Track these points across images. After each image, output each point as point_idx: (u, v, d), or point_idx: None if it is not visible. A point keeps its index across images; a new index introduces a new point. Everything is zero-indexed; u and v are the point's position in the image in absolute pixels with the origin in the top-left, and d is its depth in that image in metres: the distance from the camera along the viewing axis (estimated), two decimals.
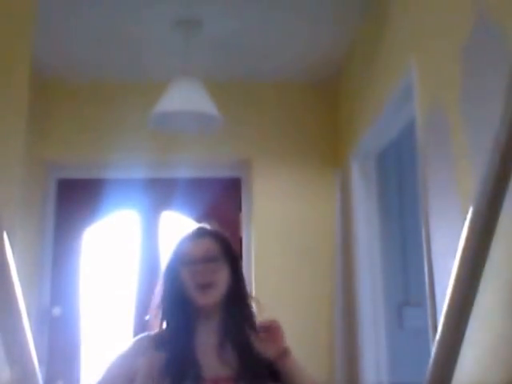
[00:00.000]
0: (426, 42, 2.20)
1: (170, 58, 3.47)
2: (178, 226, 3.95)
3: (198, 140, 3.80)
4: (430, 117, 2.13)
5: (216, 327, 1.63)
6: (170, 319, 1.65)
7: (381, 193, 3.38)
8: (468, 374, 1.55)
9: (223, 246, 1.68)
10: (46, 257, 3.76)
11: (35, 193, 3.70)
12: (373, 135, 3.15)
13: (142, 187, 3.87)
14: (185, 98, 3.08)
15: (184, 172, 3.94)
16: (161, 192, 3.91)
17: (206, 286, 1.60)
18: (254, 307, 1.71)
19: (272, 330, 1.67)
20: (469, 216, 1.22)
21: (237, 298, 1.66)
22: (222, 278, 1.63)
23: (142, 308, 3.75)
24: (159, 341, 1.61)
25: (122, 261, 3.88)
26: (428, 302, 2.09)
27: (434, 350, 1.25)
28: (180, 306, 1.63)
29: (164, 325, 1.67)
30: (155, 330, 1.68)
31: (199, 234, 1.71)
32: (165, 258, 1.73)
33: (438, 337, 1.24)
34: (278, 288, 3.63)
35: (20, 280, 1.39)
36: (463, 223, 1.23)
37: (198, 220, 1.96)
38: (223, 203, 3.92)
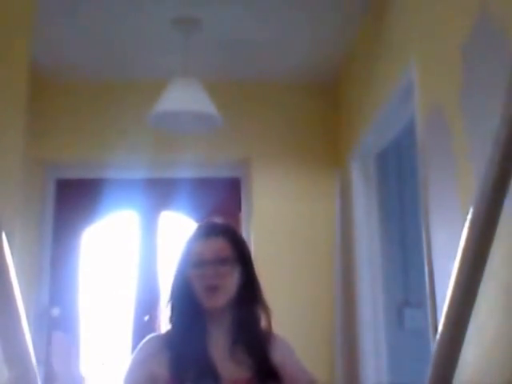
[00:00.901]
0: (426, 41, 2.20)
1: (169, 57, 3.47)
2: (177, 226, 3.94)
3: (198, 140, 3.80)
4: (430, 117, 2.13)
5: (227, 329, 1.58)
6: (177, 319, 1.61)
7: (381, 193, 3.38)
8: (469, 374, 1.54)
9: (236, 246, 1.61)
10: (44, 257, 3.75)
11: (34, 193, 3.70)
12: (373, 135, 3.14)
13: (141, 187, 3.87)
14: (184, 97, 3.08)
15: (183, 172, 3.94)
16: (160, 192, 3.91)
17: (214, 289, 1.55)
18: (264, 313, 1.65)
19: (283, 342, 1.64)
20: (469, 216, 1.21)
21: (248, 299, 1.61)
22: (231, 280, 1.58)
23: (141, 308, 3.76)
24: (169, 341, 1.57)
25: (121, 261, 3.88)
26: (428, 302, 2.08)
27: (434, 350, 1.25)
28: (187, 306, 1.58)
29: (170, 325, 1.63)
30: (161, 331, 1.64)
31: (210, 232, 1.63)
32: (175, 255, 1.67)
33: (438, 337, 1.24)
34: (277, 288, 3.62)
35: (19, 280, 1.39)
36: (463, 223, 1.23)
37: (204, 217, 1.90)
38: (223, 203, 3.92)
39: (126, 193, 3.86)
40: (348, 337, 3.48)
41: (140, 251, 3.89)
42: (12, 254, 1.40)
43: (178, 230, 3.95)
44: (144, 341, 1.63)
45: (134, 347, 3.93)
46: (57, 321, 3.70)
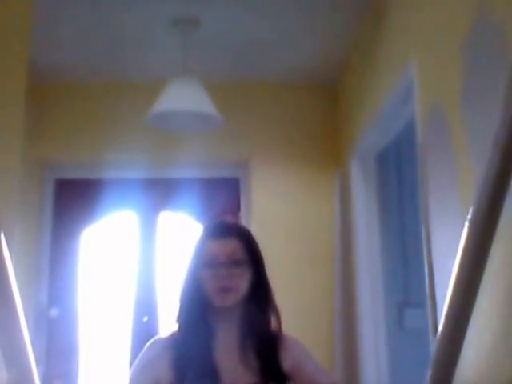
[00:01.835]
0: (425, 41, 2.20)
1: (168, 57, 3.46)
2: (177, 227, 3.94)
3: (197, 140, 3.79)
4: (430, 116, 2.13)
5: (235, 330, 1.57)
6: (185, 320, 1.57)
7: (380, 193, 3.38)
8: (469, 374, 1.54)
9: (249, 248, 1.59)
10: (43, 257, 3.75)
11: (33, 193, 3.69)
12: (373, 135, 3.14)
13: (140, 187, 3.86)
14: (183, 97, 3.08)
15: (182, 172, 3.94)
16: (159, 192, 3.90)
17: (226, 290, 1.53)
18: (274, 315, 1.63)
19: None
20: (469, 216, 1.21)
21: (258, 300, 1.59)
22: (244, 282, 1.56)
23: (140, 309, 3.76)
24: (174, 342, 1.55)
25: (120, 261, 3.87)
26: (428, 302, 2.08)
27: (434, 350, 1.24)
28: (197, 306, 1.55)
29: (176, 325, 1.59)
30: (167, 333, 1.61)
31: (223, 232, 1.60)
32: (186, 255, 1.64)
33: (438, 337, 1.23)
34: (276, 288, 3.62)
35: (17, 281, 1.38)
36: (463, 223, 1.23)
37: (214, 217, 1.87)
38: (222, 203, 3.91)
39: (124, 193, 3.85)
40: (348, 336, 3.48)
41: (139, 251, 3.88)
42: (10, 254, 1.40)
43: (177, 230, 3.94)
44: (148, 344, 1.60)
45: (133, 347, 3.95)
46: (55, 321, 3.70)
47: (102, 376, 3.72)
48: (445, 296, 1.24)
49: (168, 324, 1.65)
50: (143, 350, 1.59)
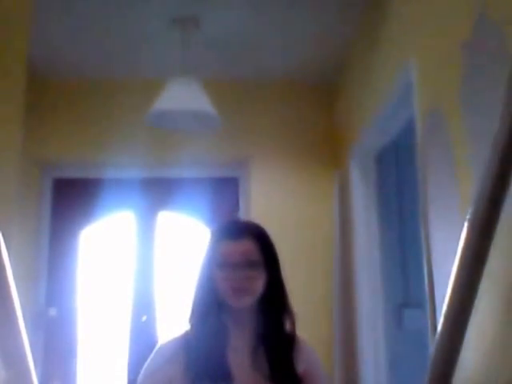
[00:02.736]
0: (425, 41, 2.19)
1: (167, 56, 3.46)
2: (175, 226, 3.94)
3: (196, 139, 3.79)
4: (430, 117, 2.12)
5: (249, 332, 1.55)
6: (200, 320, 1.54)
7: (380, 193, 3.38)
8: (468, 374, 1.54)
9: (265, 249, 1.58)
10: (41, 257, 3.74)
11: (31, 192, 3.69)
12: (372, 135, 3.14)
13: (138, 187, 3.86)
14: (182, 96, 3.08)
15: (181, 171, 3.93)
16: (157, 192, 3.90)
17: (241, 291, 1.51)
18: (289, 317, 1.63)
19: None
20: (468, 216, 1.21)
21: (273, 302, 1.59)
22: (259, 284, 1.54)
23: (139, 308, 3.76)
24: (186, 344, 1.52)
25: (119, 261, 3.87)
26: (427, 303, 2.08)
27: (433, 351, 1.24)
28: (211, 307, 1.53)
29: (188, 326, 1.57)
30: (176, 334, 1.58)
31: (239, 232, 1.58)
32: (199, 254, 1.61)
33: (437, 338, 1.23)
34: None
35: (15, 280, 1.38)
36: (463, 224, 1.22)
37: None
38: (221, 203, 3.91)
39: (123, 192, 3.85)
40: (347, 337, 3.48)
41: (138, 251, 3.88)
42: (9, 253, 1.40)
43: (176, 230, 3.94)
44: (156, 348, 1.57)
45: (131, 347, 3.94)
46: (54, 321, 3.69)
47: (101, 376, 3.72)
48: (444, 297, 1.24)
49: (174, 324, 1.63)
50: (152, 355, 1.56)
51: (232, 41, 3.42)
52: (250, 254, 1.53)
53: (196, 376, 1.45)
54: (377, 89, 2.92)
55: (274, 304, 1.59)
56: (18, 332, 1.32)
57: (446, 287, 1.24)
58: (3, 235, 1.39)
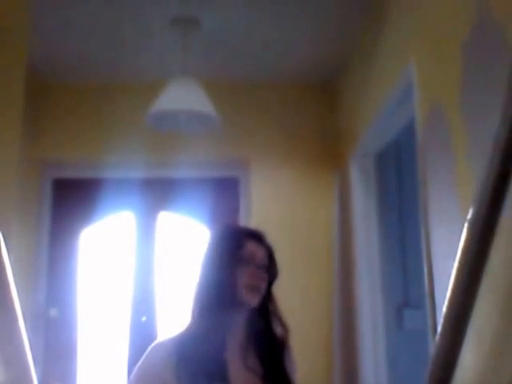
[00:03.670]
0: (426, 42, 2.19)
1: (167, 57, 3.46)
2: (175, 227, 3.94)
3: (196, 140, 3.79)
4: (430, 117, 2.12)
5: (242, 330, 1.61)
6: (208, 314, 1.57)
7: (380, 193, 3.37)
8: (468, 375, 1.54)
9: (272, 260, 1.70)
10: (41, 257, 3.74)
11: (31, 193, 3.69)
12: (372, 135, 3.14)
13: (138, 187, 3.86)
14: (182, 97, 3.07)
15: (181, 172, 3.93)
16: (158, 192, 3.90)
17: (257, 289, 1.60)
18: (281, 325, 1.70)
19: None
20: (469, 217, 1.20)
21: (267, 309, 1.67)
22: (265, 288, 1.65)
23: (138, 309, 3.76)
24: (182, 343, 1.54)
25: (119, 262, 3.87)
26: (428, 303, 2.08)
27: (433, 351, 1.24)
28: (224, 302, 1.57)
29: (192, 320, 1.60)
30: (170, 335, 1.60)
31: (262, 236, 1.72)
32: (213, 251, 1.66)
33: (437, 338, 1.23)
34: (276, 289, 3.62)
35: (15, 281, 1.38)
36: (463, 224, 1.22)
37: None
38: (221, 204, 3.91)
39: (123, 193, 3.84)
40: (347, 337, 3.47)
41: (138, 252, 3.88)
42: (9, 254, 1.40)
43: (176, 230, 3.94)
44: (150, 348, 1.59)
45: (131, 347, 3.94)
46: (54, 321, 3.69)
47: (101, 376, 3.71)
48: (444, 297, 1.24)
49: (173, 324, 1.65)
50: (146, 354, 1.58)
51: (232, 41, 3.42)
52: (267, 258, 1.67)
53: (193, 375, 1.46)
54: (377, 89, 2.92)
55: (267, 311, 1.67)
56: (18, 332, 1.32)
57: (446, 287, 1.24)
58: (3, 235, 1.39)
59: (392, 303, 3.20)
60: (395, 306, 3.21)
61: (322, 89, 4.03)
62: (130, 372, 3.81)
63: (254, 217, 3.82)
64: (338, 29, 3.28)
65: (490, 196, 1.16)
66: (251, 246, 1.65)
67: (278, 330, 1.68)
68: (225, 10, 3.08)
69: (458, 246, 1.22)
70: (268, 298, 1.67)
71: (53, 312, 3.69)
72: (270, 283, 1.68)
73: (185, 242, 3.92)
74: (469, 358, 1.42)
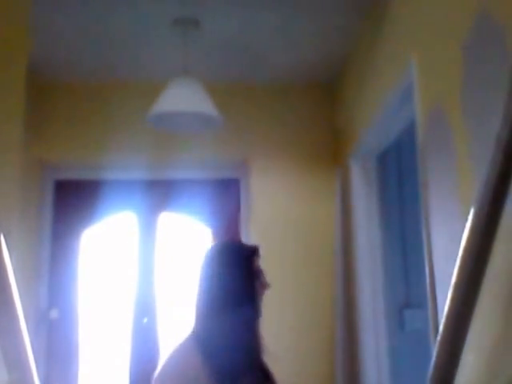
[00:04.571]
0: (426, 42, 2.19)
1: (168, 57, 3.47)
2: (177, 228, 3.94)
3: (197, 141, 3.79)
4: (431, 117, 2.12)
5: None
6: (227, 315, 1.69)
7: (381, 194, 3.37)
8: (469, 376, 1.54)
9: None
10: (43, 258, 3.74)
11: (32, 194, 3.69)
12: (373, 135, 3.14)
13: (140, 188, 3.86)
14: (184, 98, 3.07)
15: (182, 173, 3.93)
16: (159, 193, 3.90)
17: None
18: None
19: None
20: (470, 217, 1.20)
21: None
22: None
23: (140, 310, 3.76)
24: (203, 342, 1.63)
25: (120, 262, 3.87)
26: (429, 303, 2.07)
27: (435, 352, 1.24)
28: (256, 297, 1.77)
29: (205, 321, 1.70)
30: (185, 338, 1.69)
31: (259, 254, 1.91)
32: (241, 265, 1.81)
33: (439, 339, 1.23)
34: (277, 289, 3.62)
35: (17, 282, 1.38)
36: (464, 224, 1.22)
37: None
38: (222, 204, 3.91)
39: (124, 194, 3.85)
40: (349, 338, 3.47)
41: (139, 252, 3.88)
42: (10, 255, 1.40)
43: (177, 231, 3.94)
44: (173, 352, 1.67)
45: (132, 348, 3.94)
46: (55, 323, 3.69)
47: (102, 378, 3.71)
48: (446, 297, 1.24)
49: (175, 325, 1.72)
50: (170, 358, 1.65)
51: (233, 42, 3.42)
52: None
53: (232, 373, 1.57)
54: (378, 88, 2.92)
55: None
56: (20, 334, 1.32)
57: (448, 288, 1.24)
58: (5, 237, 1.39)
59: (393, 303, 3.20)
60: (397, 306, 3.21)
61: (322, 89, 4.03)
62: (131, 373, 3.82)
63: (254, 217, 3.83)
64: (339, 29, 3.28)
65: (492, 196, 1.17)
66: (257, 261, 1.85)
67: None
68: (225, 11, 3.08)
69: (459, 246, 1.23)
70: None
71: (54, 313, 3.69)
72: None
73: (186, 243, 3.92)
74: (471, 358, 1.42)
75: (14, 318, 1.32)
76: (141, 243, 3.89)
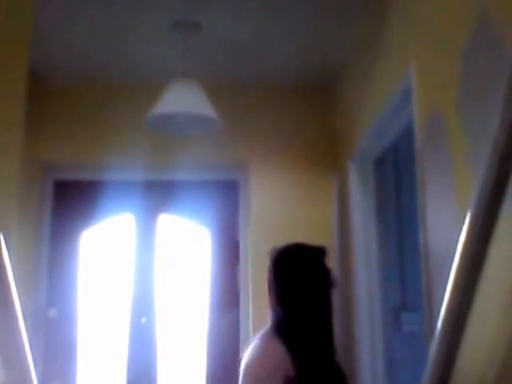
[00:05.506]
0: (425, 45, 2.20)
1: (168, 59, 3.47)
2: (175, 229, 3.94)
3: (196, 142, 3.80)
4: (429, 121, 2.13)
5: None
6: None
7: (378, 197, 3.38)
8: (465, 377, 1.54)
9: None
10: (42, 258, 3.75)
11: (32, 194, 3.70)
12: (371, 139, 3.14)
13: (139, 189, 3.87)
14: (183, 99, 3.08)
15: (181, 174, 3.94)
16: (158, 194, 3.91)
17: None
18: None
19: None
20: (467, 220, 1.21)
21: None
22: None
23: (138, 310, 3.76)
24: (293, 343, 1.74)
25: (119, 263, 3.87)
26: (425, 306, 2.08)
27: (431, 354, 1.25)
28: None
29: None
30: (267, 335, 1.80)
31: None
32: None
33: (435, 341, 1.24)
34: None
35: (16, 281, 1.38)
36: (461, 227, 1.23)
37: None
38: (220, 206, 3.92)
39: (123, 195, 3.85)
40: (345, 340, 3.48)
41: (137, 253, 3.88)
42: (9, 255, 1.40)
43: (176, 232, 3.95)
44: (265, 340, 1.78)
45: (130, 348, 3.93)
46: (54, 322, 3.69)
47: (100, 377, 3.72)
48: (442, 300, 1.25)
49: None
50: (263, 354, 1.74)
51: (232, 44, 3.43)
52: None
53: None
54: (376, 92, 2.93)
55: None
56: (19, 333, 1.33)
57: (444, 290, 1.24)
58: (4, 237, 1.40)
59: (390, 306, 3.20)
60: (393, 308, 3.21)
61: (321, 92, 4.04)
62: (129, 372, 3.82)
63: (253, 219, 3.83)
64: (338, 32, 3.29)
65: (489, 198, 1.17)
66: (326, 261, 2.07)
67: None
68: (225, 14, 3.09)
69: (456, 248, 1.23)
70: None
71: (53, 313, 3.70)
72: None
73: (184, 244, 3.92)
74: (467, 360, 1.42)
75: (13, 317, 1.33)
76: (139, 244, 3.90)
